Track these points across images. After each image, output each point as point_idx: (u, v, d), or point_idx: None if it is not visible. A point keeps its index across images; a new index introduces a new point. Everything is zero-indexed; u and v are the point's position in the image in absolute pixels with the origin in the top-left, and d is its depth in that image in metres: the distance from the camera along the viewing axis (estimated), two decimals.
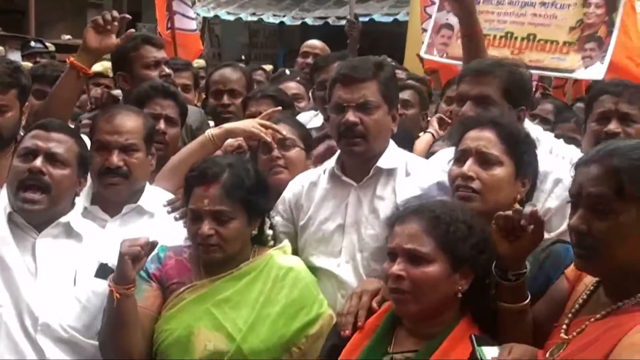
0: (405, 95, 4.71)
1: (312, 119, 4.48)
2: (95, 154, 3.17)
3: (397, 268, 2.33)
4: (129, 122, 3.22)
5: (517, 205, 2.56)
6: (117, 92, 4.75)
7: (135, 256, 2.67)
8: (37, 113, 3.59)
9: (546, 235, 2.58)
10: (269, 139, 3.44)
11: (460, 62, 4.19)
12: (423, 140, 4.49)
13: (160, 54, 4.32)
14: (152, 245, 2.73)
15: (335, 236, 3.09)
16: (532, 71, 4.47)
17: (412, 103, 4.80)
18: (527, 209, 2.35)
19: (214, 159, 3.06)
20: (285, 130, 3.47)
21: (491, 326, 2.38)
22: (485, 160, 2.62)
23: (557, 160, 3.21)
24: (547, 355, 2.16)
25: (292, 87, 5.01)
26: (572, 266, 2.33)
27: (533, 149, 2.71)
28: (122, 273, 2.67)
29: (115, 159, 3.13)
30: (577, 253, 2.16)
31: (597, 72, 4.97)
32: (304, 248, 3.14)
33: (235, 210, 2.77)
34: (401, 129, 3.39)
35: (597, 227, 2.07)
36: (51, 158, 2.84)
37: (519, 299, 2.35)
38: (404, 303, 2.33)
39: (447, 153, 3.13)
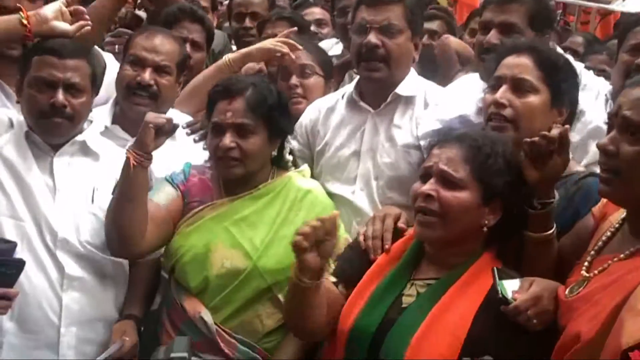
0: (433, 25, 4.62)
1: (332, 46, 4.43)
2: (127, 67, 3.21)
3: (428, 187, 2.33)
4: (167, 44, 3.25)
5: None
6: (142, 13, 4.75)
7: (158, 126, 2.70)
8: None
9: (578, 168, 2.59)
10: (286, 50, 3.41)
11: None
12: None
13: None
14: (175, 126, 2.77)
15: (351, 162, 3.09)
16: (569, 1, 4.36)
17: (440, 33, 4.71)
18: (554, 131, 2.31)
19: (237, 76, 3.09)
20: (304, 56, 3.44)
21: (514, 262, 2.38)
22: (519, 87, 2.55)
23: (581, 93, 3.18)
24: (566, 292, 2.16)
25: (316, 12, 4.91)
26: (599, 204, 2.33)
27: (572, 77, 2.63)
28: (143, 140, 2.68)
29: (148, 76, 3.17)
30: (601, 178, 2.14)
31: (636, 4, 4.78)
32: (320, 174, 3.15)
33: (257, 125, 2.78)
34: (426, 57, 3.35)
35: (626, 150, 2.05)
36: (71, 88, 2.86)
37: (545, 228, 2.34)
38: (429, 225, 2.32)
39: (467, 80, 3.11)
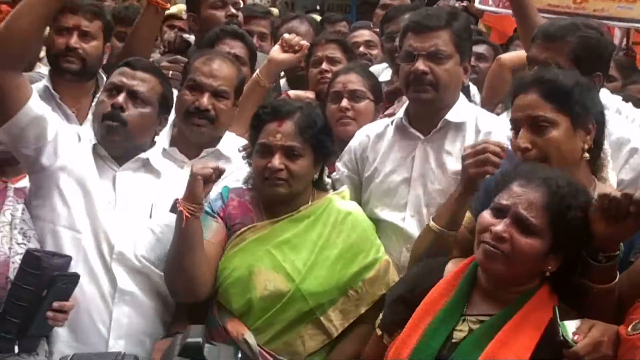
0: (480, 48, 4.65)
1: (382, 71, 4.46)
2: (186, 92, 3.29)
3: (502, 228, 2.27)
4: (225, 69, 3.32)
5: (587, 156, 2.50)
6: (190, 36, 4.83)
7: (206, 177, 2.76)
8: (119, 54, 3.73)
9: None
10: (303, 42, 3.57)
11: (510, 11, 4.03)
12: None
13: None
14: (221, 171, 2.82)
15: (401, 189, 3.09)
16: (619, 24, 4.27)
17: (486, 57, 4.71)
18: (639, 193, 2.22)
19: (285, 99, 3.17)
20: (355, 80, 3.49)
21: (569, 296, 2.34)
22: (537, 125, 2.51)
23: (634, 128, 3.11)
24: (629, 329, 2.13)
25: (365, 34, 4.95)
26: None
27: (587, 92, 2.56)
28: (193, 192, 2.75)
29: (206, 101, 3.24)
30: None
31: None
32: (369, 200, 3.16)
33: (305, 148, 2.84)
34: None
35: None
36: (133, 95, 2.96)
37: (608, 280, 2.29)
38: (494, 260, 2.29)
39: None
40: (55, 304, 2.64)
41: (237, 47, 3.83)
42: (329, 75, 3.86)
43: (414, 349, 2.33)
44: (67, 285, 2.66)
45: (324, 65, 3.93)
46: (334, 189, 3.09)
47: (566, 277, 2.33)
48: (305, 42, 3.72)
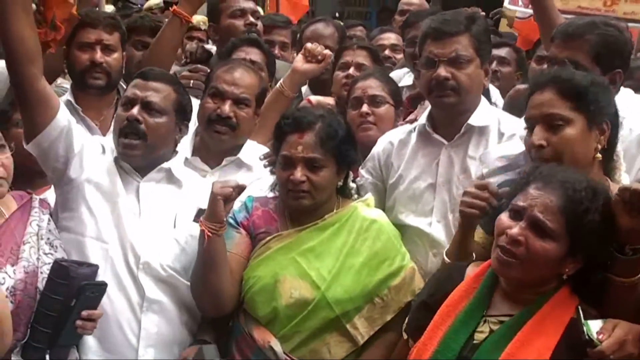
0: (502, 52, 4.63)
1: (404, 76, 4.46)
2: (208, 99, 3.31)
3: (517, 232, 2.27)
4: (247, 77, 3.34)
5: (599, 156, 2.48)
6: (212, 47, 4.86)
7: (226, 197, 2.78)
8: (139, 63, 3.77)
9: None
10: (326, 51, 3.58)
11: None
12: None
13: (248, 4, 4.43)
14: (241, 188, 2.83)
15: (426, 195, 3.09)
16: (628, 24, 4.23)
17: (508, 60, 4.69)
18: None
19: (306, 108, 3.14)
20: (375, 86, 3.49)
21: (590, 295, 2.32)
22: (552, 123, 2.49)
23: None
24: None
25: (391, 37, 4.96)
26: None
27: (603, 91, 2.54)
28: (214, 212, 2.77)
29: (228, 108, 3.25)
30: None
31: None
32: (394, 206, 3.16)
33: (327, 158, 2.83)
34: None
35: None
36: (147, 106, 2.97)
37: (633, 273, 2.26)
38: (509, 266, 2.28)
39: None
40: (84, 313, 2.67)
41: (253, 53, 3.85)
42: None
43: (435, 351, 2.33)
44: (95, 294, 2.69)
45: (352, 71, 3.93)
46: (359, 194, 3.08)
47: (586, 278, 2.31)
48: (328, 52, 3.72)
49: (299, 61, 3.71)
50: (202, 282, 2.84)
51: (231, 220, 2.92)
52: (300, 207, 2.86)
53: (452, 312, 2.38)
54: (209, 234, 2.76)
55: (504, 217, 2.33)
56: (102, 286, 2.72)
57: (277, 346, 2.78)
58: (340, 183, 2.94)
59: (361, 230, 2.88)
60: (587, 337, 2.13)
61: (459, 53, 3.00)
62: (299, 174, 2.81)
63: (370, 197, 3.05)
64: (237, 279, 2.88)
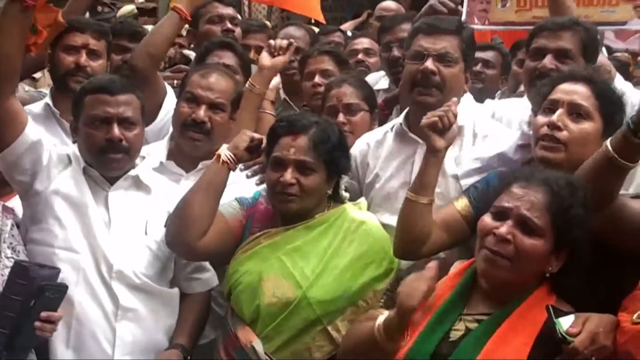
0: (487, 55, 4.68)
1: (380, 79, 4.48)
2: (183, 104, 3.30)
3: (505, 230, 2.28)
4: (223, 82, 3.34)
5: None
6: (190, 52, 4.87)
7: (252, 140, 2.87)
8: (118, 68, 3.79)
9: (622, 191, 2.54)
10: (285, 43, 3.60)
11: (502, 27, 4.13)
12: None
13: (226, 10, 4.44)
14: (260, 141, 2.90)
15: (401, 193, 3.04)
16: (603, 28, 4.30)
17: (493, 64, 4.73)
18: None
19: (302, 114, 3.18)
20: (349, 92, 3.48)
21: (568, 292, 2.34)
22: (576, 112, 2.55)
23: None
24: (634, 317, 2.13)
25: (364, 42, 4.95)
26: None
27: (623, 110, 2.62)
28: (237, 144, 2.87)
29: (202, 113, 3.25)
30: None
31: None
32: (370, 205, 3.14)
33: (318, 164, 2.83)
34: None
35: None
36: (124, 122, 2.96)
37: (633, 159, 2.25)
38: (498, 267, 2.29)
39: (513, 105, 3.13)
40: (43, 315, 2.66)
41: (226, 57, 3.85)
42: (322, 89, 3.86)
43: (410, 349, 2.34)
44: (55, 296, 2.68)
45: (317, 79, 3.94)
46: (351, 201, 3.05)
47: (566, 276, 2.33)
48: (292, 41, 3.70)
49: (265, 57, 3.68)
50: (187, 203, 2.80)
51: (238, 199, 2.95)
52: (287, 210, 2.85)
53: (430, 309, 2.39)
54: (225, 159, 2.81)
55: (487, 219, 2.35)
56: (62, 288, 2.71)
57: (258, 346, 2.77)
58: (329, 191, 2.93)
59: (348, 231, 2.87)
60: (560, 335, 2.14)
61: (448, 50, 3.05)
62: (289, 175, 2.80)
63: (363, 200, 3.04)
64: (215, 232, 2.84)
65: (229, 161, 2.83)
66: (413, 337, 2.36)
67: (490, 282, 2.35)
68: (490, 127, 3.13)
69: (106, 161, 2.96)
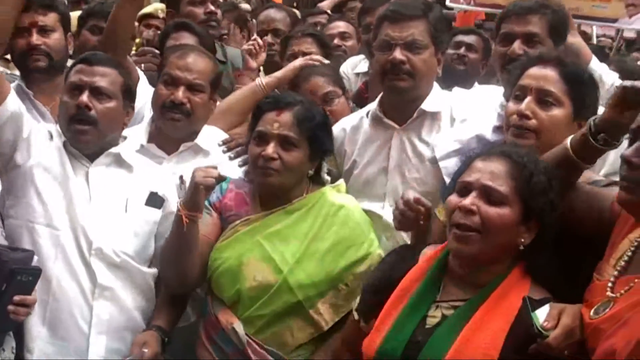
0: (470, 39, 4.69)
1: (360, 62, 4.48)
2: (161, 86, 3.26)
3: (469, 201, 2.26)
4: (201, 62, 3.30)
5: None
6: None
7: (208, 187, 2.78)
8: (95, 48, 3.70)
9: (596, 177, 2.56)
10: (319, 60, 3.56)
11: (488, 9, 4.11)
12: None
13: None
14: (222, 178, 2.85)
15: (379, 179, 3.11)
16: (577, 21, 4.32)
17: (475, 48, 4.74)
18: None
19: (288, 92, 3.17)
20: (324, 83, 3.46)
21: (544, 276, 2.33)
22: (544, 99, 2.54)
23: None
24: (591, 313, 2.13)
25: (340, 25, 4.94)
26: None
27: (595, 91, 2.62)
28: (194, 201, 2.77)
29: (181, 94, 3.21)
30: (622, 185, 2.12)
31: None
32: (349, 192, 3.14)
33: (301, 140, 2.83)
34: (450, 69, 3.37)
35: None
36: (96, 92, 2.93)
37: (590, 160, 2.31)
38: (466, 240, 2.26)
39: (488, 92, 3.13)
40: (17, 298, 2.64)
41: (183, 38, 3.84)
42: None
43: (385, 336, 2.33)
44: (28, 279, 2.65)
45: None
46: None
47: (539, 255, 2.33)
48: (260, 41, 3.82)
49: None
50: (174, 262, 2.85)
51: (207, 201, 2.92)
52: (268, 185, 2.86)
53: (404, 296, 2.38)
54: (187, 220, 2.76)
55: (453, 197, 2.34)
56: (36, 271, 2.68)
57: (239, 328, 2.79)
58: (311, 172, 2.93)
59: (328, 215, 2.88)
60: (536, 330, 2.14)
61: (415, 38, 3.02)
62: (271, 149, 2.80)
63: (341, 182, 3.05)
64: (204, 259, 2.88)
65: (192, 218, 2.78)
66: (387, 324, 2.35)
67: (464, 261, 2.34)
68: (468, 110, 3.14)
69: (74, 132, 2.93)
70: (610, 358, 1.99)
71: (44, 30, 3.51)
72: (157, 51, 4.01)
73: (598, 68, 3.44)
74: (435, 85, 3.17)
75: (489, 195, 2.27)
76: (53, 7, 3.55)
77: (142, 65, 3.89)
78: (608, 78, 3.40)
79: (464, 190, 2.32)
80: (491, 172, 2.29)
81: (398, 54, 3.01)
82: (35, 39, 3.47)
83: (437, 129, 3.07)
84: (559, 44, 3.05)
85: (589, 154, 2.30)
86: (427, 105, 3.09)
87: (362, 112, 3.29)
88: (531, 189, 2.27)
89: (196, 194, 2.76)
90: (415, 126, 3.11)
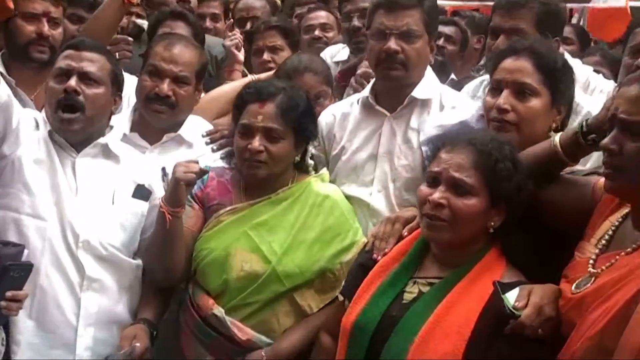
0: (449, 30, 4.70)
1: (339, 51, 4.46)
2: (146, 77, 3.22)
3: (438, 196, 2.32)
4: (187, 53, 3.26)
5: (552, 134, 2.53)
6: (143, 22, 4.78)
7: (189, 183, 2.77)
8: (74, 37, 3.64)
9: (580, 167, 2.60)
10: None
11: (476, 3, 4.13)
12: None
13: None
14: (204, 172, 2.83)
15: (368, 165, 3.11)
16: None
17: (454, 39, 4.78)
18: None
19: (270, 80, 3.12)
20: (313, 81, 3.42)
21: (518, 256, 2.38)
22: (521, 92, 2.57)
23: (593, 97, 3.19)
24: (573, 287, 2.17)
25: (321, 16, 4.88)
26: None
27: (570, 76, 2.66)
28: (176, 197, 2.77)
29: (166, 87, 3.18)
30: (606, 173, 2.16)
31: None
32: (336, 178, 3.16)
33: (286, 130, 2.82)
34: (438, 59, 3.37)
35: (629, 148, 2.07)
36: (84, 77, 2.89)
37: (574, 158, 2.36)
38: (438, 230, 2.34)
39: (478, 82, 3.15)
40: (9, 294, 2.61)
41: (178, 27, 3.80)
42: (272, 65, 3.85)
43: (361, 310, 2.38)
44: (20, 275, 2.63)
45: (266, 56, 3.91)
46: (316, 170, 3.08)
47: (510, 234, 2.37)
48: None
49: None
50: (159, 257, 2.86)
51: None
52: (255, 177, 2.85)
53: (383, 272, 2.44)
54: (170, 216, 2.75)
55: (423, 187, 2.39)
56: (28, 266, 2.66)
57: (218, 311, 2.80)
58: (297, 158, 2.94)
59: (314, 205, 2.89)
60: (508, 311, 2.17)
61: (410, 27, 3.02)
62: (256, 143, 2.79)
63: (325, 171, 3.05)
64: (188, 252, 2.88)
65: (175, 214, 2.77)
66: (365, 298, 2.40)
67: (437, 245, 2.41)
68: (456, 98, 3.16)
69: (61, 120, 2.88)
70: (592, 332, 2.02)
71: (54, 22, 3.48)
72: (130, 39, 3.96)
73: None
74: (429, 72, 3.17)
75: (456, 187, 2.32)
76: (62, 0, 3.53)
77: (117, 54, 3.84)
78: (581, 73, 3.37)
79: (433, 180, 2.37)
80: (457, 163, 2.34)
81: (393, 43, 3.01)
82: (47, 29, 3.44)
83: (426, 116, 3.08)
84: (551, 35, 3.05)
85: (577, 152, 2.35)
86: (417, 92, 3.10)
87: (352, 98, 3.29)
88: (497, 176, 2.32)
89: (177, 189, 2.75)
90: (405, 113, 3.11)
